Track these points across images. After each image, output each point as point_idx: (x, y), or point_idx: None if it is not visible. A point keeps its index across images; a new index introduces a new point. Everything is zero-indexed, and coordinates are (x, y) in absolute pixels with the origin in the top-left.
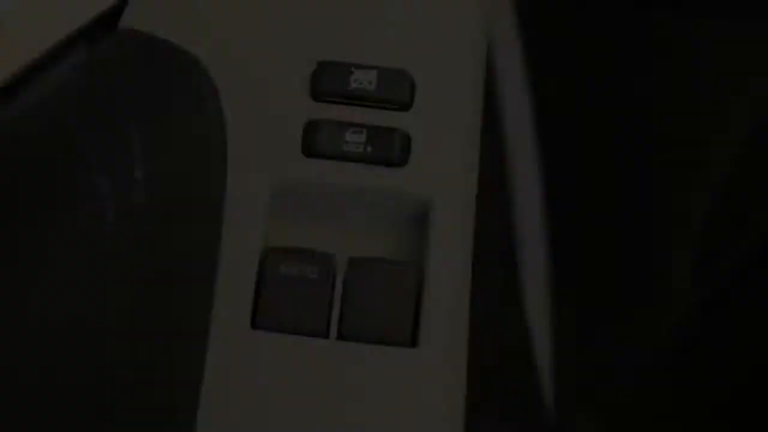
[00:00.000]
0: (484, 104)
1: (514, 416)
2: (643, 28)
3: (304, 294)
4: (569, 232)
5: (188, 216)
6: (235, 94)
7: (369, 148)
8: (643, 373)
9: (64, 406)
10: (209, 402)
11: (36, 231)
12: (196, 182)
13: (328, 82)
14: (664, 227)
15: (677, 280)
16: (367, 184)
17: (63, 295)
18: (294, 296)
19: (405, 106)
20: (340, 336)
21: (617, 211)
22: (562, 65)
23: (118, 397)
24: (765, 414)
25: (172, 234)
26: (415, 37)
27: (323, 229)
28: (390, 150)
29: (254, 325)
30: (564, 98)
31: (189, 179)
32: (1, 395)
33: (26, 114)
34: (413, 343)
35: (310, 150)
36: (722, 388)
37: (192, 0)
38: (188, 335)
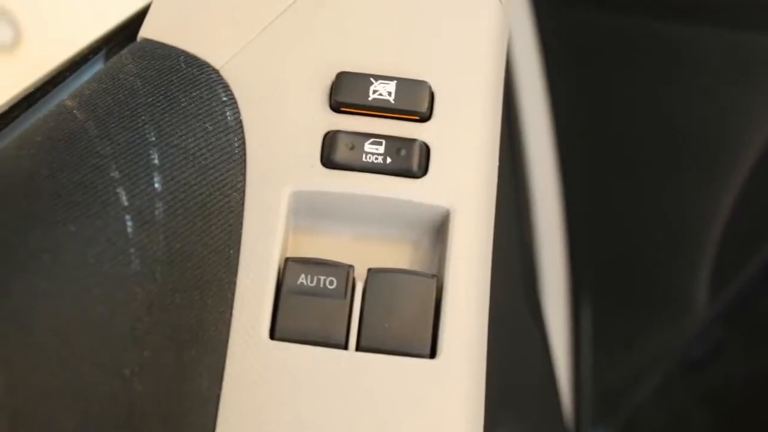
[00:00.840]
0: (503, 114)
1: (533, 428)
2: (661, 37)
3: (322, 304)
4: (588, 242)
5: (207, 226)
6: (254, 106)
7: (388, 159)
8: (663, 383)
9: (78, 412)
10: (228, 412)
11: (54, 240)
12: (215, 193)
13: (347, 93)
14: (683, 238)
15: (696, 290)
16: (386, 195)
17: (80, 303)
18: (313, 307)
19: (424, 117)
20: (359, 347)
21: (636, 221)
22: (580, 76)
23: (135, 404)
24: None
25: (190, 244)
26: (435, 48)
27: (342, 239)
28: (409, 161)
29: (273, 335)
30: (583, 109)
31: (208, 190)
32: (17, 392)
33: (46, 122)
34: (432, 353)
35: (329, 161)
36: (741, 398)
37: (211, 11)
38: (206, 345)
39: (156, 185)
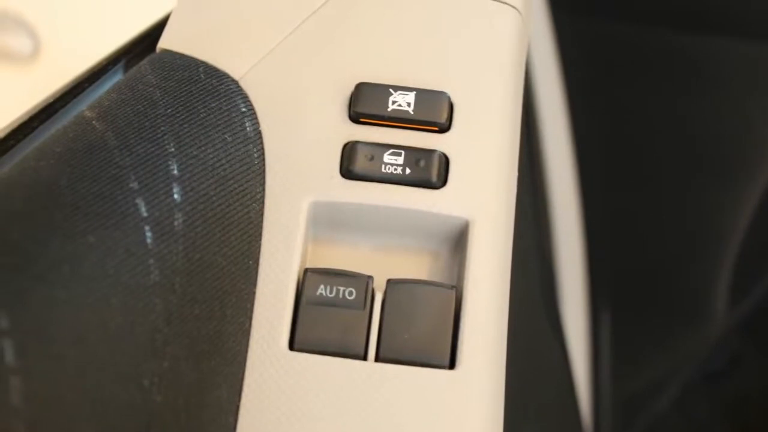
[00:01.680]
0: (522, 124)
1: None
2: (680, 48)
3: (342, 315)
4: (607, 252)
5: (226, 237)
6: (273, 116)
7: (407, 170)
8: (681, 394)
9: (96, 422)
10: (247, 423)
11: (74, 250)
12: (234, 204)
13: (366, 103)
14: (702, 249)
15: (715, 301)
16: (406, 206)
17: (100, 313)
18: (332, 317)
19: (443, 128)
20: (378, 357)
21: (655, 232)
22: (600, 87)
23: (154, 415)
24: None
25: (210, 255)
26: (454, 59)
27: (361, 250)
28: (428, 172)
29: (292, 346)
30: (602, 120)
31: (227, 201)
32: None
33: (65, 133)
34: (452, 364)
35: (348, 172)
36: (760, 409)
37: (230, 22)
38: (226, 356)
39: (175, 196)
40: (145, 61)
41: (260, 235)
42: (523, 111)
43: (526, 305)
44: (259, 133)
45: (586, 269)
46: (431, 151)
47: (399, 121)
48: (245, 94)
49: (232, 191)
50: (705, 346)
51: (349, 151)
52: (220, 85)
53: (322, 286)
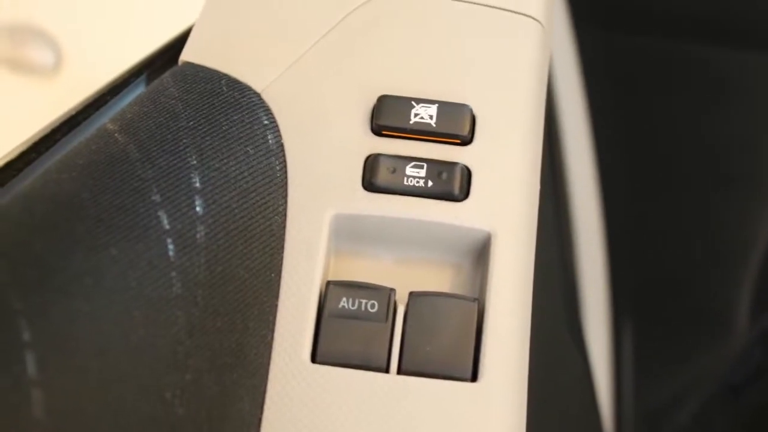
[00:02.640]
0: (544, 136)
1: None
2: (703, 60)
3: (364, 328)
4: (630, 264)
5: (248, 249)
6: (295, 129)
7: (429, 183)
8: (703, 407)
9: None
10: None
11: (96, 263)
12: (257, 216)
13: (388, 116)
14: (724, 261)
15: (737, 313)
16: (428, 219)
17: (122, 326)
18: (354, 330)
19: (466, 141)
20: (401, 370)
21: (677, 244)
22: (622, 98)
23: (176, 428)
24: None
25: (232, 268)
26: (476, 71)
27: (383, 262)
28: (450, 184)
29: (314, 358)
30: (624, 131)
31: (249, 213)
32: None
33: (88, 146)
34: (474, 377)
35: (370, 184)
36: None
37: (252, 34)
38: (248, 368)
39: (197, 208)
40: (167, 74)
41: (282, 247)
42: (545, 123)
43: (549, 317)
44: (281, 145)
45: (608, 281)
46: (453, 164)
47: (421, 133)
48: (267, 106)
49: (254, 204)
50: (727, 359)
51: (371, 163)
52: (242, 97)
53: (344, 299)
